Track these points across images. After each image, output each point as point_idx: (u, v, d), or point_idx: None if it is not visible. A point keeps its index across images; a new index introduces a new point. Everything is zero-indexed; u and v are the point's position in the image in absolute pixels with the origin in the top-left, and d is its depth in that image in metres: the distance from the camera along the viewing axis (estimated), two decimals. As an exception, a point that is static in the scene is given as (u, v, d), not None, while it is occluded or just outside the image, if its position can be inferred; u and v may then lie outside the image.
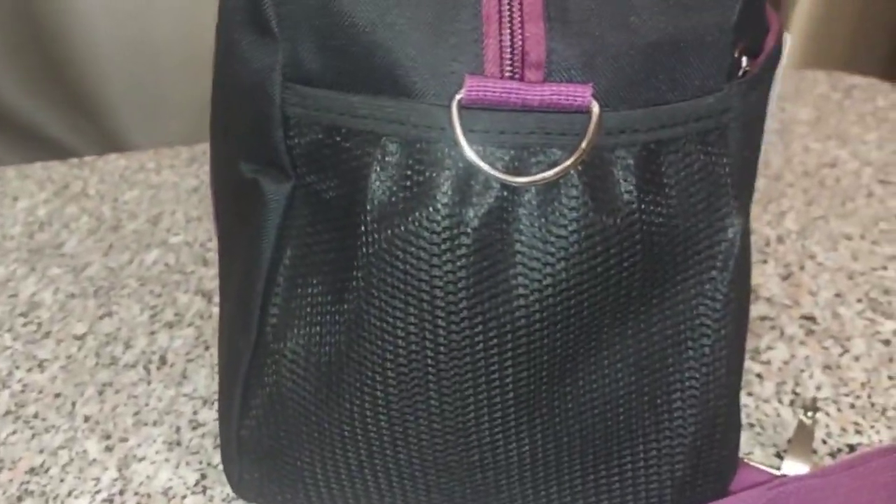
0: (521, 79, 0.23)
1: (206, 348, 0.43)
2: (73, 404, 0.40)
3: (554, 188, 0.23)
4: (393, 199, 0.24)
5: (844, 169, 0.56)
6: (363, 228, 0.24)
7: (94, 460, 0.37)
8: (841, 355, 0.40)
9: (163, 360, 0.43)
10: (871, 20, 0.78)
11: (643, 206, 0.24)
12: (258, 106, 0.25)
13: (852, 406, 0.37)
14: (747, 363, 0.40)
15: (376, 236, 0.24)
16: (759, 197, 0.53)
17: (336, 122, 0.24)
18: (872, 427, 0.36)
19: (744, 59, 0.25)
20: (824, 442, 0.35)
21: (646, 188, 0.24)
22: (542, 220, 0.24)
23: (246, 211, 0.27)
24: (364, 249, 0.24)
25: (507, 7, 0.23)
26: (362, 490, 0.29)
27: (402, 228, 0.24)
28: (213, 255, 0.51)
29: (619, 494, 0.29)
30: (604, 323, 0.26)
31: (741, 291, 0.27)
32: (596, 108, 0.23)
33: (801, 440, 0.33)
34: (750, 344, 0.41)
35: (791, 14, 0.79)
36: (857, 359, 0.40)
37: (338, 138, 0.24)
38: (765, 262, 0.47)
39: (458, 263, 0.24)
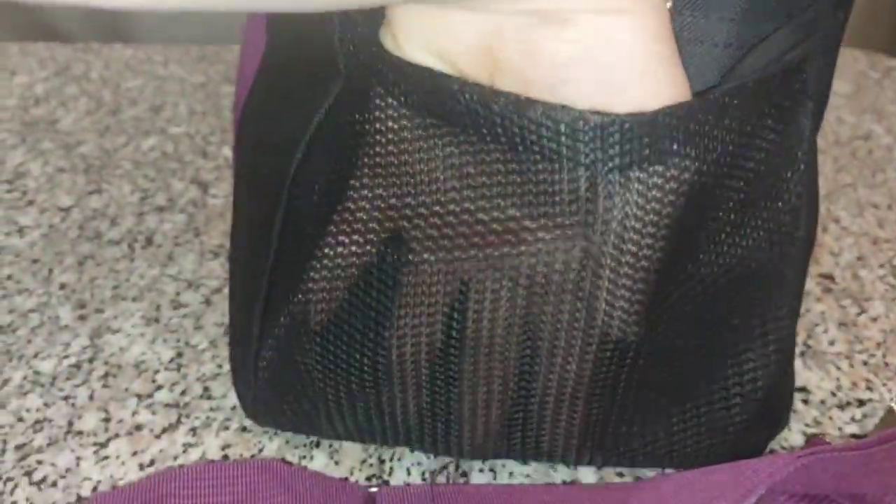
0: None
1: (196, 234, 0.41)
2: (51, 271, 0.38)
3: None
4: None
5: (878, 143, 0.53)
6: None
7: (66, 326, 0.35)
8: (858, 315, 0.38)
9: (149, 241, 0.40)
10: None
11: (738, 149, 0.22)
12: None
13: (865, 363, 0.35)
14: (760, 312, 0.38)
15: None
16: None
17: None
18: (885, 385, 0.34)
19: None
20: (833, 395, 0.33)
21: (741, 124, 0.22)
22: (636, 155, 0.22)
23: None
24: None
25: None
26: (391, 429, 0.28)
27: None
28: (214, 149, 0.49)
29: (691, 434, 0.27)
30: (693, 254, 0.24)
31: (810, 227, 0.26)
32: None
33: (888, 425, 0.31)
34: (764, 295, 0.39)
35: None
36: (874, 319, 0.38)
37: None
38: (786, 220, 0.45)
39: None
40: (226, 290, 0.37)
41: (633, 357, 0.25)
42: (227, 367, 0.33)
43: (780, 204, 0.24)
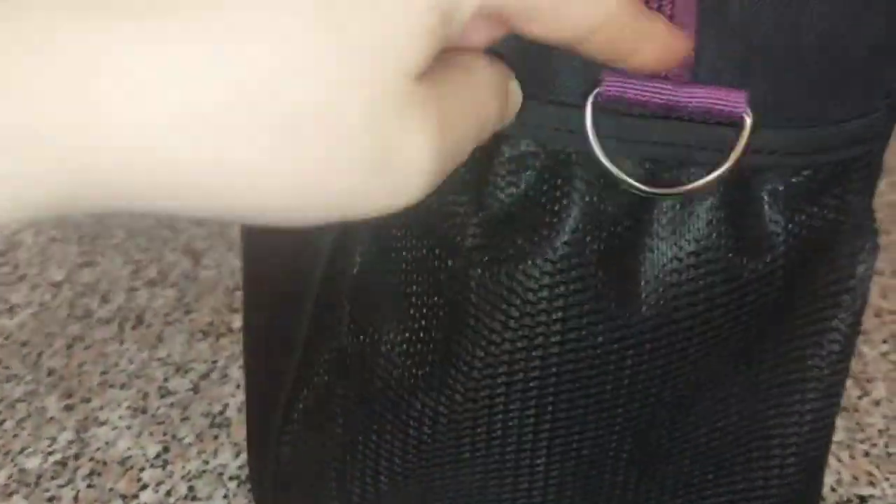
0: (666, 77, 0.20)
1: (187, 312, 0.41)
2: (40, 355, 0.38)
3: (686, 218, 0.21)
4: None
5: (883, 200, 0.52)
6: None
7: (52, 418, 0.35)
8: (860, 398, 0.37)
9: (139, 320, 0.40)
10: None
11: (786, 247, 0.21)
12: None
13: (867, 454, 0.34)
14: (758, 394, 0.37)
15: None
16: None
17: None
18: (887, 479, 0.33)
19: None
20: (833, 490, 0.33)
21: (793, 223, 0.21)
22: (673, 245, 0.21)
23: None
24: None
25: None
26: None
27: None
28: (208, 215, 0.48)
29: None
30: (711, 369, 0.23)
31: (855, 339, 0.25)
32: (749, 119, 0.19)
33: None
34: (763, 374, 0.38)
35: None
36: (877, 403, 0.37)
37: None
38: (787, 287, 0.44)
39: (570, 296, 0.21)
40: (212, 375, 0.37)
41: (656, 447, 0.24)
42: (212, 462, 0.33)
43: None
